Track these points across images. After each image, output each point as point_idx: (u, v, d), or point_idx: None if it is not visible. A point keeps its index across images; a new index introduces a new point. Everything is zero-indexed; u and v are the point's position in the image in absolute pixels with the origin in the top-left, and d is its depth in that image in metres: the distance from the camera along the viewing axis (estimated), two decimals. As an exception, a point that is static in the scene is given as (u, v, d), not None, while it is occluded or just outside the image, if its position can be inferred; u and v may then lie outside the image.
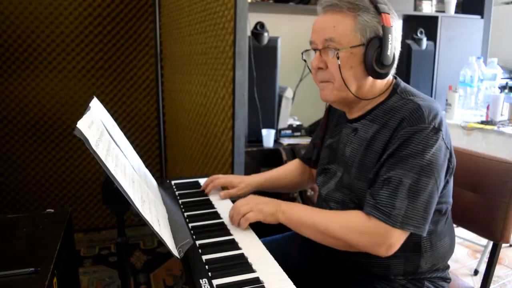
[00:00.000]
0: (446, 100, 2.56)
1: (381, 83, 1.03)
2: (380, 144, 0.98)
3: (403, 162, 0.91)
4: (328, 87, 1.02)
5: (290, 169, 1.37)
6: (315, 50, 1.03)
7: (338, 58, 0.97)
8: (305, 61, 1.11)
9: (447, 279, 1.11)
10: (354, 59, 0.98)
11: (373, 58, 0.96)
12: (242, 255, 0.93)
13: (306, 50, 1.09)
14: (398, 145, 0.93)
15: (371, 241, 0.93)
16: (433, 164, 0.91)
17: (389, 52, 0.96)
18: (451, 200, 1.07)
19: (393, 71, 1.02)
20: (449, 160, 0.97)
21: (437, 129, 0.92)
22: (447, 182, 1.00)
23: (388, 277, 1.05)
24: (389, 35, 0.95)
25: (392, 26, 0.96)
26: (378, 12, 0.96)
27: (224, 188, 1.34)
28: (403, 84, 1.05)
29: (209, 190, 1.32)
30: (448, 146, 0.95)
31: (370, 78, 1.00)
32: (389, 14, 0.97)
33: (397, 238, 0.92)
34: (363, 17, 0.96)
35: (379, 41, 0.96)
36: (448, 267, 1.12)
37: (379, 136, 0.99)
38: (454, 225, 1.21)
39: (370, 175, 0.98)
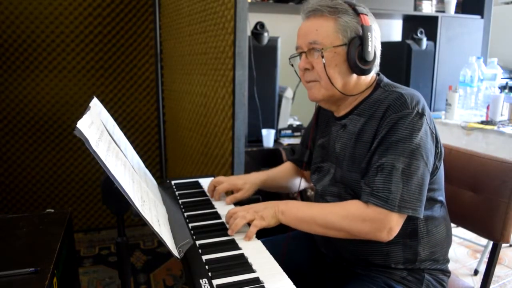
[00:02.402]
0: (446, 100, 2.56)
1: (366, 79, 1.08)
2: (369, 135, 1.02)
3: (393, 147, 0.96)
4: (315, 86, 1.08)
5: (285, 170, 1.40)
6: (301, 53, 1.09)
7: (323, 57, 1.03)
8: (292, 65, 1.16)
9: (446, 272, 1.12)
10: (337, 57, 1.03)
11: (355, 55, 1.02)
12: (242, 255, 0.93)
13: (293, 56, 1.14)
14: (386, 132, 0.97)
15: (373, 227, 0.95)
16: (421, 147, 0.95)
17: (370, 49, 1.02)
18: (443, 187, 1.10)
19: (375, 68, 1.07)
20: (436, 146, 1.01)
21: (421, 114, 0.97)
22: (436, 168, 1.04)
23: (389, 266, 1.06)
24: (369, 33, 1.01)
25: (371, 25, 1.02)
26: (357, 13, 1.03)
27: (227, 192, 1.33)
28: (385, 79, 1.11)
29: (218, 198, 1.29)
30: (433, 131, 1.00)
31: (355, 75, 1.06)
32: (367, 15, 1.04)
33: (396, 221, 0.95)
34: (343, 18, 1.03)
35: (359, 40, 1.02)
36: (448, 260, 1.13)
37: (367, 127, 1.03)
38: (454, 225, 1.22)
39: (363, 165, 1.02)
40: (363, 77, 1.07)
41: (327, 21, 1.03)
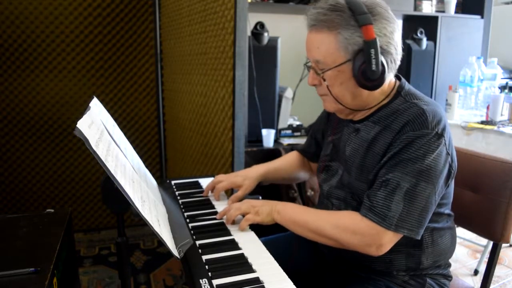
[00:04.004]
0: (446, 100, 2.56)
1: (381, 88, 1.01)
2: (381, 146, 0.98)
3: (402, 165, 0.92)
4: (327, 100, 1.05)
5: (289, 161, 1.37)
6: (309, 67, 1.05)
7: (324, 80, 0.99)
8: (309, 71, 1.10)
9: (448, 277, 1.12)
10: (342, 76, 0.98)
11: (359, 72, 0.95)
12: (242, 255, 0.93)
13: (307, 63, 1.09)
14: (400, 149, 0.93)
15: (362, 241, 0.94)
16: (432, 169, 0.92)
17: (374, 67, 0.93)
18: (451, 200, 1.08)
19: (394, 72, 1.01)
20: (450, 165, 0.98)
21: (440, 135, 0.93)
22: (448, 186, 1.01)
23: (390, 273, 1.05)
24: (372, 49, 0.92)
25: (375, 38, 0.92)
26: (359, 25, 0.93)
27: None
28: (407, 86, 1.05)
29: (217, 197, 1.27)
30: (449, 152, 0.96)
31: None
32: (371, 24, 0.93)
33: (389, 239, 0.93)
34: (343, 34, 0.94)
35: (363, 55, 0.94)
36: (449, 264, 1.13)
37: (381, 137, 0.99)
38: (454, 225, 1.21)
39: (370, 176, 1.00)
40: None
41: (328, 37, 0.96)
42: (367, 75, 0.94)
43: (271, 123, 2.28)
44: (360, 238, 0.94)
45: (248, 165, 1.46)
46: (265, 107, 2.24)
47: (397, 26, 0.99)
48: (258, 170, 1.30)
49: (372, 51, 0.93)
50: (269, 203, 1.08)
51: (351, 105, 1.02)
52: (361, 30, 0.93)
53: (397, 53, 1.00)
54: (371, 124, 1.03)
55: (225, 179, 1.28)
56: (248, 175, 1.28)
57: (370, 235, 0.93)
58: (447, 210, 1.07)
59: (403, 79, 1.06)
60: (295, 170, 1.36)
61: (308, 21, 1.00)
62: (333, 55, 0.97)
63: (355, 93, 1.00)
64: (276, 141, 2.30)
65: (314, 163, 1.34)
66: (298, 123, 2.49)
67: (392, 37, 0.97)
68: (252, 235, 1.04)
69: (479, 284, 1.21)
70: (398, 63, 1.01)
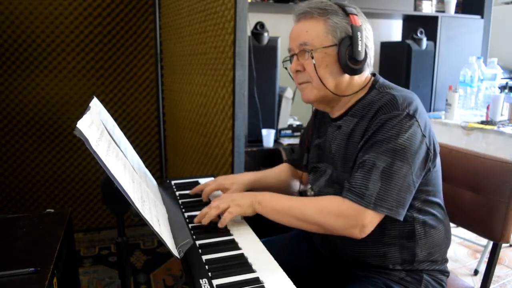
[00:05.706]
0: (446, 100, 2.56)
1: (359, 80, 1.08)
2: (358, 134, 1.02)
3: (376, 146, 0.96)
4: (307, 88, 1.09)
5: (278, 170, 1.38)
6: (292, 55, 1.10)
7: (313, 58, 1.03)
8: (286, 68, 1.17)
9: (445, 272, 1.12)
10: (328, 58, 1.04)
11: (345, 55, 1.02)
12: (242, 255, 0.93)
13: (285, 59, 1.16)
14: (373, 131, 0.97)
15: (346, 223, 0.96)
16: (407, 149, 0.94)
17: (360, 49, 1.01)
18: (440, 189, 1.09)
19: (369, 68, 1.07)
20: (428, 148, 0.99)
21: (412, 116, 0.96)
22: (429, 170, 1.02)
23: (386, 267, 1.06)
24: (358, 32, 1.01)
25: (361, 25, 1.02)
26: (346, 13, 1.03)
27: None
28: (381, 80, 1.10)
29: (206, 199, 1.26)
30: (425, 134, 0.98)
31: (347, 76, 1.05)
32: (356, 15, 1.03)
33: (370, 219, 0.94)
34: (332, 19, 1.03)
35: (349, 40, 1.02)
36: (446, 260, 1.13)
37: (358, 127, 1.03)
38: (454, 225, 1.22)
39: (351, 164, 1.02)
40: (356, 77, 1.06)
41: (317, 23, 1.04)
42: (353, 56, 1.01)
43: (271, 123, 2.29)
44: (344, 221, 0.95)
45: (248, 165, 1.47)
46: (265, 107, 2.24)
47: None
48: (247, 177, 1.31)
49: (359, 33, 1.02)
50: (249, 195, 1.08)
51: (332, 89, 1.05)
52: (349, 18, 1.02)
53: (372, 50, 1.08)
54: (350, 118, 1.07)
55: (213, 182, 1.28)
56: (236, 180, 1.29)
57: (352, 216, 0.94)
58: (436, 199, 1.07)
59: (377, 75, 1.11)
60: (284, 178, 1.36)
61: (296, 13, 1.07)
62: (321, 38, 1.03)
63: (337, 79, 1.05)
64: (276, 141, 2.30)
65: (304, 172, 1.34)
66: (298, 123, 2.49)
67: (370, 34, 1.08)
68: (252, 235, 1.05)
69: (479, 284, 1.21)
70: (373, 60, 1.08)
